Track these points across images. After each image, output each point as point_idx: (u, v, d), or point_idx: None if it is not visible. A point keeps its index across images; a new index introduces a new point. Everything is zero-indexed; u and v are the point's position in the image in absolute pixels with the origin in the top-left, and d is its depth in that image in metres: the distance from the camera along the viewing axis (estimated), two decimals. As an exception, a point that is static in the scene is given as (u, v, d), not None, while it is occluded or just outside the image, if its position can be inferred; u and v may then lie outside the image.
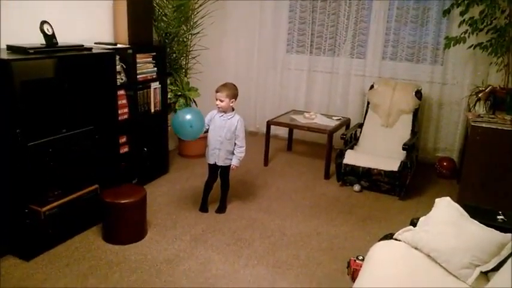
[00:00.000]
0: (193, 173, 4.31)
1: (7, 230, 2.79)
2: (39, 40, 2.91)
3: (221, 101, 3.26)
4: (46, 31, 2.92)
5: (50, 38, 2.95)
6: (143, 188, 3.22)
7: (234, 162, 3.39)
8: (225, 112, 3.32)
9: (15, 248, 2.80)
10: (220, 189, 3.56)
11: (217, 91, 3.28)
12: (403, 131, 4.30)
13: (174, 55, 4.46)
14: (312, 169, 4.54)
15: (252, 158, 4.60)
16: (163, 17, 4.27)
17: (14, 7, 2.99)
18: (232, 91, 3.30)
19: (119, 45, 3.65)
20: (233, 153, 3.38)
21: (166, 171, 4.30)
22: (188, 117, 3.09)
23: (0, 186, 2.74)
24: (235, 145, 3.37)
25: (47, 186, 2.95)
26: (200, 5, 4.48)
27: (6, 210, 2.76)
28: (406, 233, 2.36)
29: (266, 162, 4.63)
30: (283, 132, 5.24)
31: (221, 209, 3.55)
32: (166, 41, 4.33)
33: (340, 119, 4.72)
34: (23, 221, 2.75)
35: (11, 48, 2.84)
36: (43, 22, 2.91)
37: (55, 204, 2.90)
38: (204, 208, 3.56)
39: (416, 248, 2.25)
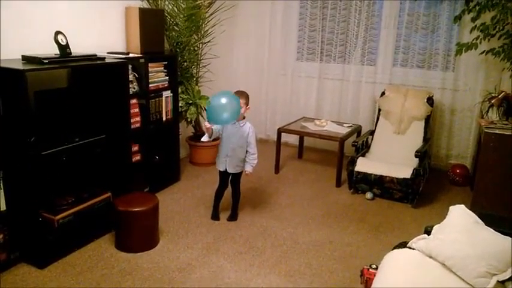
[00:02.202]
0: (205, 180, 4.32)
1: (21, 238, 2.82)
2: (53, 50, 2.96)
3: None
4: (60, 41, 2.96)
5: (64, 48, 2.99)
6: (155, 196, 3.23)
7: (248, 168, 3.40)
8: (237, 120, 3.33)
9: (29, 256, 2.83)
10: (231, 197, 3.56)
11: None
12: (415, 138, 4.27)
13: (185, 64, 4.50)
14: (323, 177, 4.53)
15: (263, 165, 4.59)
16: (175, 27, 4.31)
17: (29, 18, 3.05)
18: (247, 99, 3.34)
19: (131, 55, 3.69)
20: (244, 161, 3.40)
21: (178, 179, 4.31)
22: (223, 101, 3.07)
23: (14, 194, 2.78)
24: (246, 152, 3.38)
25: (60, 195, 2.99)
26: (211, 14, 4.51)
27: (20, 219, 2.79)
28: (420, 242, 2.33)
29: (277, 169, 4.62)
30: (294, 139, 5.24)
31: (233, 217, 3.55)
32: (178, 50, 4.37)
33: (351, 126, 4.70)
34: (37, 229, 2.78)
35: (26, 59, 2.88)
36: (57, 32, 2.95)
37: (68, 212, 2.92)
38: (215, 216, 3.57)
39: (430, 257, 2.22)
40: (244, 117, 3.38)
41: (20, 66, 2.68)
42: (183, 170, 4.48)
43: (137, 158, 3.75)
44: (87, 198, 3.10)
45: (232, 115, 3.08)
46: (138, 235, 3.01)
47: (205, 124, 3.33)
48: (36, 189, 2.76)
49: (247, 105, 3.36)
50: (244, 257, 3.00)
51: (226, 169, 3.41)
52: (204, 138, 3.45)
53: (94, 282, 2.66)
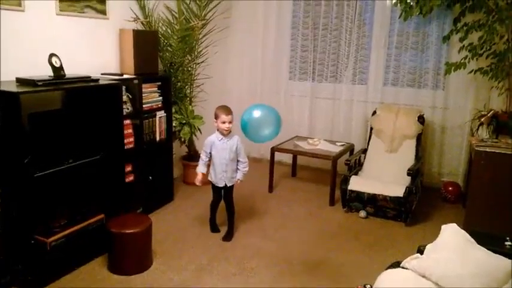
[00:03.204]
0: (198, 200, 4.31)
1: (13, 261, 2.78)
2: (47, 71, 2.98)
3: (230, 122, 3.33)
4: (54, 63, 2.99)
5: (58, 70, 3.02)
6: (148, 218, 3.22)
7: (239, 176, 3.46)
8: (226, 135, 3.37)
9: (21, 279, 2.79)
10: (226, 212, 3.56)
11: (225, 114, 3.33)
12: (407, 156, 4.31)
13: (179, 84, 4.54)
14: (317, 195, 4.54)
15: (257, 184, 4.61)
16: (169, 48, 4.36)
17: (24, 39, 3.08)
18: (231, 114, 3.39)
19: (125, 76, 3.72)
20: (237, 170, 3.46)
21: (171, 199, 4.30)
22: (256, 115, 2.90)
23: (6, 216, 2.76)
24: (238, 162, 3.45)
25: (53, 216, 2.97)
26: (204, 35, 4.58)
27: (12, 241, 2.76)
28: (413, 261, 2.34)
29: (271, 188, 4.63)
30: (287, 158, 5.26)
31: (228, 236, 3.54)
32: (171, 70, 4.42)
33: (343, 144, 4.74)
34: (29, 252, 2.75)
35: (20, 81, 2.90)
36: (51, 55, 2.98)
37: (61, 234, 2.91)
38: (214, 229, 3.62)
39: (424, 276, 2.22)
40: (230, 132, 3.40)
41: (14, 88, 2.69)
42: (176, 189, 4.48)
43: (131, 178, 3.74)
44: (81, 220, 3.08)
45: (275, 129, 2.93)
46: (131, 257, 2.99)
47: (198, 175, 3.48)
48: (29, 211, 2.74)
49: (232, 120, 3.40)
50: (238, 279, 2.99)
51: (226, 184, 3.45)
52: (199, 170, 3.52)
53: (86, 305, 2.64)
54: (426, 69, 4.72)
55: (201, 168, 3.50)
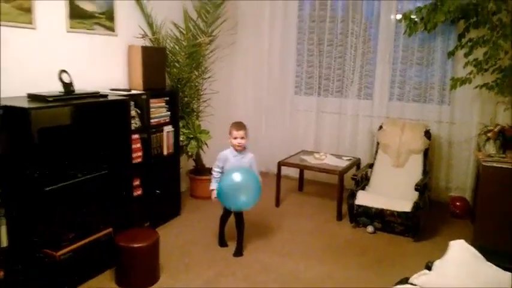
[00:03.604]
0: (206, 214, 4.31)
1: (22, 275, 2.80)
2: (57, 87, 3.03)
3: (242, 138, 3.34)
4: (64, 79, 3.05)
5: (68, 86, 3.07)
6: (156, 232, 3.23)
7: None
8: (240, 151, 3.38)
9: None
10: (236, 229, 3.56)
11: (236, 129, 3.36)
12: (414, 170, 4.30)
13: (186, 99, 4.59)
14: (324, 210, 4.53)
15: (264, 199, 4.56)
16: (176, 63, 4.42)
17: (33, 56, 3.15)
18: (246, 129, 3.42)
19: (133, 91, 3.77)
20: None
21: (179, 213, 4.31)
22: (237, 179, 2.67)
23: (16, 230, 2.78)
24: None
25: (62, 230, 2.99)
26: (211, 51, 4.64)
27: (21, 255, 2.78)
28: (421, 277, 2.32)
29: (278, 203, 4.63)
30: (294, 172, 5.27)
31: (238, 252, 3.52)
32: (179, 85, 4.47)
33: (350, 159, 4.74)
34: (38, 267, 2.77)
35: (31, 97, 2.95)
36: (61, 71, 3.04)
37: (70, 248, 2.92)
38: (223, 243, 3.62)
39: (432, 293, 2.21)
40: (245, 148, 3.43)
41: (25, 104, 2.74)
42: (183, 203, 4.49)
43: (138, 192, 3.77)
44: (89, 234, 3.09)
45: (253, 197, 2.71)
46: (139, 271, 2.99)
47: (213, 192, 3.44)
48: (38, 225, 2.77)
49: (247, 135, 3.43)
50: (245, 293, 2.98)
51: None
52: (213, 187, 3.49)
53: (94, 320, 2.64)
54: (431, 84, 4.74)
55: (214, 185, 3.46)
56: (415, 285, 2.30)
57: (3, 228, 2.76)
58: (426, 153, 4.37)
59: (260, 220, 4.23)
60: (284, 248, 3.67)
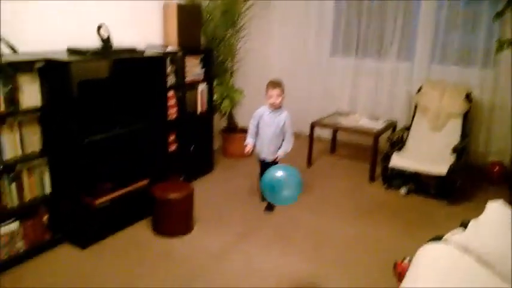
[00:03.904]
0: (238, 172, 4.38)
1: (63, 220, 2.96)
2: (96, 43, 3.08)
3: (277, 96, 3.33)
4: (102, 35, 3.09)
5: (106, 41, 3.11)
6: (190, 185, 3.32)
7: (279, 153, 3.47)
8: (275, 109, 3.38)
9: (71, 237, 2.98)
10: None
11: (272, 87, 3.35)
12: (452, 134, 4.18)
13: (221, 58, 4.57)
14: (356, 172, 4.50)
15: (295, 159, 4.59)
16: (211, 21, 4.39)
17: (74, 12, 3.19)
18: (282, 87, 3.38)
19: (169, 48, 3.79)
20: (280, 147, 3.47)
21: (211, 170, 4.40)
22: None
23: (58, 179, 2.92)
24: (283, 140, 3.46)
25: (101, 180, 3.12)
26: (246, 9, 4.57)
27: (63, 202, 2.94)
28: (455, 236, 2.30)
29: (309, 163, 4.63)
30: (327, 134, 5.23)
31: (269, 208, 3.59)
32: (214, 44, 4.45)
33: (386, 121, 4.65)
34: (78, 212, 2.92)
35: (70, 50, 3.02)
36: (100, 26, 3.08)
37: (108, 197, 3.05)
38: (264, 198, 3.64)
39: (466, 252, 2.19)
40: (280, 107, 3.42)
41: (65, 57, 2.81)
42: (216, 161, 4.56)
43: (173, 147, 3.85)
44: (126, 184, 3.21)
45: (295, 191, 2.34)
46: (174, 221, 3.11)
47: (247, 146, 3.50)
48: (78, 174, 2.89)
49: (283, 94, 3.42)
50: (276, 246, 3.04)
51: (265, 158, 3.51)
52: (248, 141, 3.55)
53: (130, 264, 2.77)
54: (476, 47, 4.51)
55: (249, 140, 3.54)
56: (448, 243, 2.29)
57: (47, 176, 2.90)
58: (466, 117, 4.23)
59: (292, 179, 4.25)
60: (315, 206, 3.70)
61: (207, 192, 3.87)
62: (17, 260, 2.72)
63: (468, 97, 4.22)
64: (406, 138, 4.42)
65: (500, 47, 3.92)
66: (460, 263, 2.14)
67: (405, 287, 2.08)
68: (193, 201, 3.23)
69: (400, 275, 2.57)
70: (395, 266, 2.72)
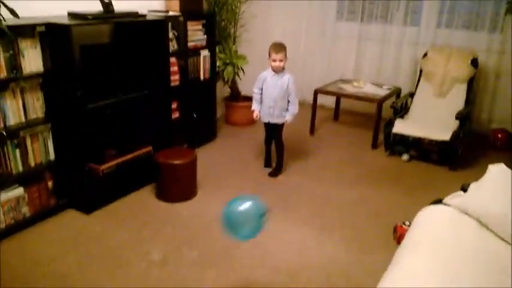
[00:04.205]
0: (240, 140, 4.39)
1: (68, 186, 3.00)
2: (97, 8, 3.03)
3: (280, 60, 3.31)
4: (103, -1, 3.04)
5: (107, 5, 3.07)
6: (193, 151, 3.34)
7: (287, 117, 3.47)
8: (278, 72, 3.37)
9: (75, 202, 3.02)
10: (275, 151, 3.65)
11: (275, 52, 3.33)
12: (456, 100, 4.14)
13: (223, 23, 4.50)
14: (359, 139, 4.50)
15: (298, 126, 4.60)
16: (213, -15, 4.30)
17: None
18: (285, 50, 3.37)
19: (170, 13, 3.73)
20: (287, 110, 3.47)
21: (214, 138, 4.41)
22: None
23: (62, 145, 2.94)
24: (288, 102, 3.46)
25: (104, 147, 3.14)
26: (249, -28, 4.46)
27: (67, 168, 2.97)
28: (455, 198, 2.32)
29: (312, 131, 4.63)
30: (330, 102, 5.19)
31: (274, 173, 3.63)
32: (216, 9, 4.37)
33: (390, 88, 4.60)
34: (83, 178, 2.95)
35: (71, 15, 2.98)
36: (101, -10, 3.02)
37: (112, 163, 3.08)
38: (268, 163, 3.75)
39: (466, 213, 2.21)
40: (283, 69, 3.40)
41: (66, 21, 2.78)
42: (219, 129, 4.57)
43: (176, 115, 3.85)
44: (130, 151, 3.24)
45: (252, 230, 2.09)
46: (178, 186, 3.14)
47: (255, 112, 3.49)
48: (82, 140, 2.91)
49: (286, 57, 3.39)
50: (278, 211, 3.08)
51: (269, 121, 3.51)
52: (254, 107, 3.54)
53: (136, 227, 2.83)
54: (484, 10, 4.40)
55: (255, 106, 3.54)
56: (448, 205, 2.31)
57: (50, 143, 2.92)
58: (471, 83, 4.18)
59: (294, 146, 4.26)
60: (317, 173, 3.72)
61: (210, 160, 3.90)
62: (23, 225, 2.77)
63: (474, 62, 4.15)
64: (410, 104, 4.39)
65: (510, 7, 3.84)
66: (460, 224, 2.17)
67: (404, 248, 2.12)
68: (196, 167, 3.25)
69: (400, 238, 2.61)
70: (395, 229, 2.76)
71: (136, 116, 3.36)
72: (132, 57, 3.32)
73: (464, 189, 2.38)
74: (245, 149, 4.12)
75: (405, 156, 3.95)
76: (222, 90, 4.90)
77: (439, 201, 2.41)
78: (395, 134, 3.94)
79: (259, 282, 2.39)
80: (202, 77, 4.13)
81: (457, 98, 4.15)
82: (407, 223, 2.66)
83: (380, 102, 4.18)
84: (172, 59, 3.72)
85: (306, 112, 4.73)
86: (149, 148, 3.36)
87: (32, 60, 2.70)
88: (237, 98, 4.86)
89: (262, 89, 3.46)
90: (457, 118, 3.81)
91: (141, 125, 3.41)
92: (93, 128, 3.00)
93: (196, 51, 4.01)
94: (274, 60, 3.33)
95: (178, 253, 2.58)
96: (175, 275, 2.40)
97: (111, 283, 2.32)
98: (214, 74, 4.27)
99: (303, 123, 4.66)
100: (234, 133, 4.60)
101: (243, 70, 4.61)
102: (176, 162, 3.09)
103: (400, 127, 3.93)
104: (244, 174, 3.64)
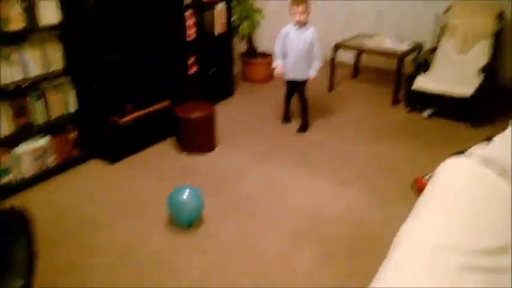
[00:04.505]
0: (258, 97, 4.36)
1: (90, 137, 3.05)
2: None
3: (302, 13, 3.25)
4: None
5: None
6: (212, 105, 3.34)
7: (311, 73, 3.43)
8: (300, 26, 3.30)
9: (99, 153, 3.08)
10: (299, 107, 3.62)
11: (296, 4, 3.26)
12: (480, 56, 4.01)
13: (240, -26, 4.37)
14: (378, 96, 4.42)
15: (316, 83, 4.51)
16: None
17: None
18: (307, 3, 3.28)
19: (186, -37, 3.62)
20: (310, 66, 3.42)
21: (232, 94, 4.38)
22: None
23: (83, 97, 2.96)
24: (311, 58, 3.40)
25: (124, 100, 3.15)
26: None
27: (89, 120, 3.00)
28: (478, 150, 2.29)
29: (331, 87, 4.56)
30: (349, 58, 5.08)
31: (303, 128, 3.62)
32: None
33: (412, 43, 4.47)
34: (104, 130, 2.99)
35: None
36: None
37: (132, 116, 3.10)
38: (287, 118, 3.74)
39: (488, 165, 2.18)
40: (306, 23, 3.32)
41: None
42: (236, 86, 4.53)
43: (193, 70, 3.82)
44: (149, 105, 3.24)
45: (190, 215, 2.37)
46: (197, 139, 3.17)
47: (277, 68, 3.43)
48: (101, 93, 2.92)
49: (308, 10, 3.30)
50: (297, 166, 3.10)
51: (294, 77, 3.46)
52: (277, 63, 3.46)
53: (157, 178, 2.89)
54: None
55: (278, 62, 3.46)
56: (471, 157, 2.28)
57: (71, 94, 2.94)
58: (496, 38, 4.02)
59: (312, 103, 4.19)
60: (336, 130, 3.70)
61: (227, 116, 3.88)
62: (49, 174, 2.84)
63: (500, 16, 3.99)
64: (432, 60, 4.27)
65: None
66: (482, 176, 2.15)
67: (423, 200, 2.11)
68: (214, 121, 3.26)
69: (420, 191, 2.61)
70: (415, 181, 2.75)
71: (153, 70, 3.34)
72: (148, 10, 3.26)
73: (489, 140, 2.34)
74: (263, 105, 4.10)
75: (426, 113, 3.89)
76: (239, 47, 4.82)
77: (461, 153, 2.37)
78: (417, 90, 3.86)
79: (280, 226, 2.43)
80: (217, 32, 4.06)
81: (480, 53, 4.02)
82: (427, 176, 2.65)
83: (401, 57, 4.08)
84: (188, 12, 3.64)
85: (323, 68, 4.63)
86: (167, 102, 3.36)
87: (48, 11, 2.68)
88: (254, 54, 4.79)
89: (285, 40, 3.38)
90: (481, 72, 3.70)
91: (158, 79, 3.39)
92: (112, 80, 3.00)
93: (212, 4, 3.92)
94: (295, 14, 3.25)
95: (198, 203, 2.63)
96: (196, 221, 2.45)
97: (136, 226, 2.40)
98: (231, 29, 4.19)
99: (321, 80, 4.58)
100: (251, 90, 4.56)
101: (259, 25, 4.51)
102: (196, 114, 3.10)
103: (422, 83, 3.85)
104: (263, 130, 3.64)
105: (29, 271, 1.46)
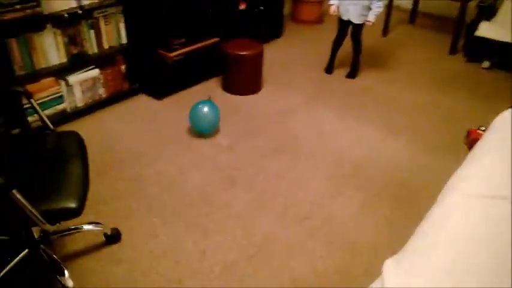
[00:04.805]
0: (307, 38, 4.23)
1: (141, 71, 3.08)
2: None
3: None
4: None
5: None
6: (260, 43, 3.26)
7: (370, 17, 3.18)
8: None
9: (148, 88, 3.13)
10: (352, 51, 3.45)
11: None
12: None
13: None
14: (436, 43, 4.18)
15: (370, 26, 4.32)
16: None
17: None
18: None
19: None
20: (369, 9, 3.16)
21: (280, 35, 4.26)
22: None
23: (133, 29, 2.97)
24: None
25: (173, 35, 3.13)
26: None
27: (139, 54, 3.02)
28: (544, 103, 2.13)
29: (385, 32, 4.34)
30: (406, 3, 4.78)
31: (353, 73, 3.49)
32: None
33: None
34: (154, 64, 3.01)
35: None
36: None
37: (181, 51, 3.09)
38: (330, 68, 3.55)
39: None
40: None
41: None
42: (285, 27, 4.39)
43: (242, 7, 3.72)
44: (198, 41, 3.21)
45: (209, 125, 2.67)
46: (244, 78, 3.14)
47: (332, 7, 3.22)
48: (152, 25, 2.91)
49: None
50: (344, 110, 3.03)
51: (349, 19, 3.24)
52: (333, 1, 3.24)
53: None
54: None
55: (333, 1, 3.23)
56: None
57: (123, 26, 2.95)
58: None
59: (364, 47, 4.02)
60: (388, 76, 3.55)
61: (275, 56, 3.81)
62: (99, 105, 2.93)
63: None
64: (499, 5, 3.93)
65: None
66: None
67: (477, 151, 2.02)
68: (262, 60, 3.20)
69: (473, 143, 2.50)
70: (468, 133, 2.62)
71: (203, 5, 3.27)
72: None
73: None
74: (311, 47, 3.97)
75: (486, 63, 3.65)
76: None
77: (521, 107, 2.23)
78: (478, 38, 3.60)
79: (322, 171, 2.43)
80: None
81: (557, 0, 3.66)
82: (482, 128, 2.52)
83: (465, 0, 3.78)
84: None
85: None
86: (217, 39, 3.32)
87: None
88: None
89: None
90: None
91: (208, 14, 3.33)
92: (162, 16, 2.97)
93: None
94: None
95: (243, 140, 2.65)
96: (242, 159, 2.49)
97: (183, 161, 2.46)
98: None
99: (375, 24, 4.36)
100: (300, 31, 4.42)
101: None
102: (243, 52, 3.05)
103: (485, 30, 3.58)
104: (309, 75, 3.55)
105: (83, 193, 1.51)
